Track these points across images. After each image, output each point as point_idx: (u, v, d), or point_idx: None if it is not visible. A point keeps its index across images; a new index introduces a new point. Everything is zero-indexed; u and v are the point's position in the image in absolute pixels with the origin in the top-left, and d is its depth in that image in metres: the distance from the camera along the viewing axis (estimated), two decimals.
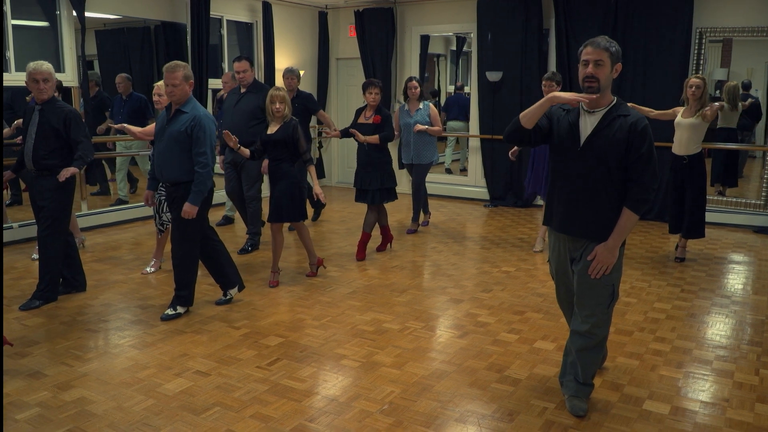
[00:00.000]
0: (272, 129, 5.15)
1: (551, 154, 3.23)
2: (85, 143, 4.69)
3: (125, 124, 5.19)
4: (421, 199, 7.30)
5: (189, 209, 4.36)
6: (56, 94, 4.79)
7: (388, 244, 6.49)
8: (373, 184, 5.95)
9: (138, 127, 5.30)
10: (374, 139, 5.89)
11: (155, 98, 5.39)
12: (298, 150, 5.16)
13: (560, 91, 6.24)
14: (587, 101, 2.94)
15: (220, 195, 7.30)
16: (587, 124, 3.04)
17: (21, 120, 5.89)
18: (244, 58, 6.29)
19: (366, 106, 6.10)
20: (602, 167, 2.99)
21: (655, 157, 2.99)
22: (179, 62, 4.41)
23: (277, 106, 5.07)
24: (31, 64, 4.60)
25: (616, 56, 2.99)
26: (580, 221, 3.09)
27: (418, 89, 6.98)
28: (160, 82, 5.37)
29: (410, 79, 7.04)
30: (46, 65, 4.64)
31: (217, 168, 7.31)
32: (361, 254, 6.13)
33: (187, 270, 4.60)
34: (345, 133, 6.15)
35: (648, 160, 2.94)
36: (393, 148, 9.23)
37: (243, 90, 6.28)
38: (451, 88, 12.00)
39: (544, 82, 6.13)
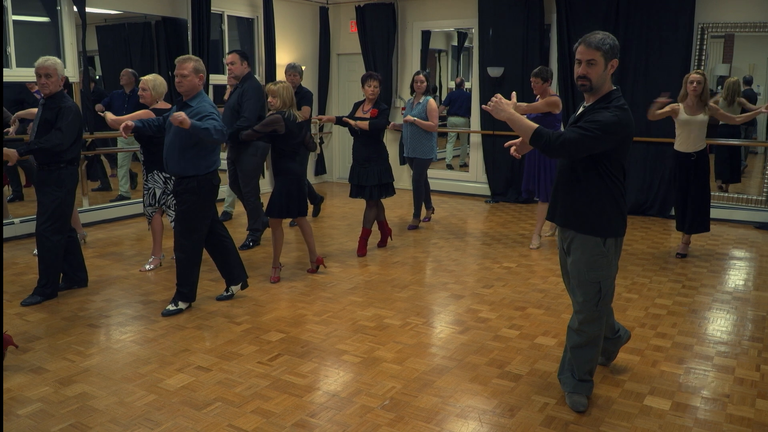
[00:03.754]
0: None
1: None
2: (55, 134, 4.56)
3: (108, 112, 5.15)
4: (421, 195, 7.29)
5: (181, 117, 4.06)
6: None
7: (388, 238, 6.49)
8: (370, 180, 5.93)
9: (116, 117, 5.19)
10: (364, 125, 5.85)
11: (140, 92, 5.41)
12: (304, 143, 5.26)
13: (551, 86, 6.24)
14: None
15: (222, 189, 7.31)
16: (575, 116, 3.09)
17: (21, 112, 5.86)
18: (234, 51, 6.29)
19: (365, 99, 6.08)
20: (580, 159, 3.00)
21: (596, 135, 2.87)
22: (193, 56, 4.47)
23: (269, 99, 5.10)
24: (39, 59, 4.60)
25: (611, 53, 2.94)
26: (561, 210, 3.13)
27: (425, 83, 7.00)
28: (147, 77, 5.40)
29: (417, 73, 7.06)
30: (51, 60, 4.61)
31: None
32: (362, 250, 6.13)
33: (187, 266, 4.59)
34: (339, 121, 6.11)
35: (592, 123, 2.87)
36: (393, 144, 9.26)
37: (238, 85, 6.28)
38: (453, 84, 11.99)
39: (531, 79, 6.10)
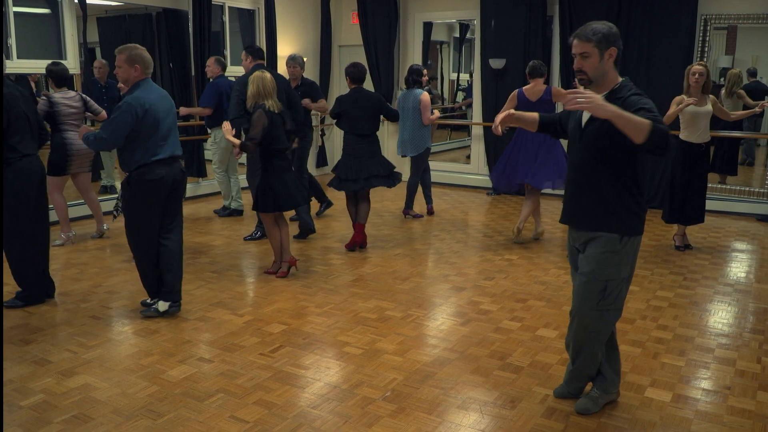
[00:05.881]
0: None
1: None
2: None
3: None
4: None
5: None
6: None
7: (357, 246, 6.03)
8: (361, 173, 5.76)
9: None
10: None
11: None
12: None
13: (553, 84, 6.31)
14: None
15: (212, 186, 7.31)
16: (586, 112, 2.93)
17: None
18: (243, 49, 6.33)
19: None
20: (599, 154, 2.87)
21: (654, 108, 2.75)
22: (128, 45, 4.18)
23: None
24: None
25: (605, 42, 2.84)
26: (582, 212, 2.98)
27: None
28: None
29: (422, 66, 7.12)
30: None
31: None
32: (361, 243, 6.04)
33: (139, 265, 4.41)
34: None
35: (646, 108, 2.72)
36: (393, 137, 9.23)
37: None
38: (454, 76, 12.00)
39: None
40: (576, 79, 2.94)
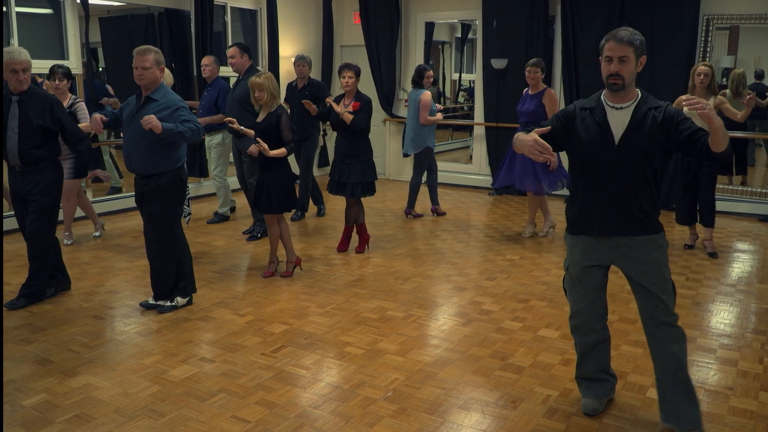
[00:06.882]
0: (260, 117, 5.04)
1: (575, 157, 2.98)
2: (78, 129, 4.56)
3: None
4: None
5: (154, 122, 3.93)
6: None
7: (366, 245, 6.06)
8: (352, 177, 5.64)
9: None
10: (349, 117, 5.51)
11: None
12: (282, 139, 4.94)
13: (545, 78, 6.35)
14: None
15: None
16: (618, 121, 2.85)
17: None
18: (234, 45, 6.28)
19: (345, 93, 5.75)
20: (641, 161, 2.81)
21: None
22: (151, 46, 4.23)
23: (256, 95, 4.93)
24: (13, 53, 4.34)
25: (641, 49, 2.81)
26: (620, 218, 2.87)
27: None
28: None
29: (426, 68, 7.14)
30: (25, 51, 4.39)
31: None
32: (342, 246, 5.98)
33: (164, 271, 4.41)
34: (320, 115, 5.88)
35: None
36: (396, 136, 9.23)
37: (241, 77, 6.29)
38: (456, 76, 12.00)
39: (529, 68, 6.28)
40: (609, 84, 2.83)
